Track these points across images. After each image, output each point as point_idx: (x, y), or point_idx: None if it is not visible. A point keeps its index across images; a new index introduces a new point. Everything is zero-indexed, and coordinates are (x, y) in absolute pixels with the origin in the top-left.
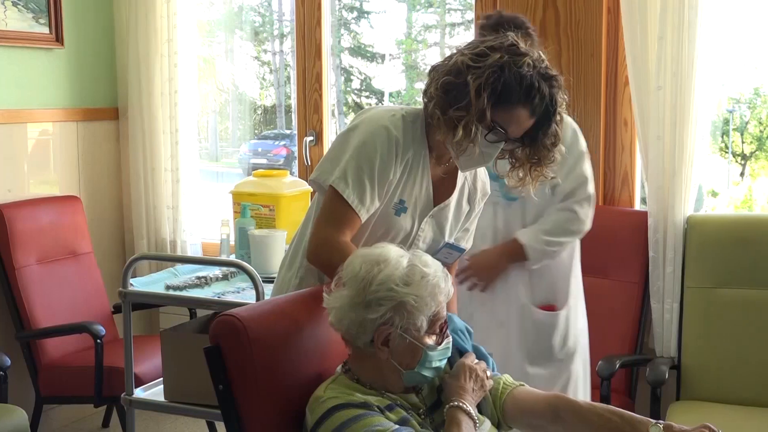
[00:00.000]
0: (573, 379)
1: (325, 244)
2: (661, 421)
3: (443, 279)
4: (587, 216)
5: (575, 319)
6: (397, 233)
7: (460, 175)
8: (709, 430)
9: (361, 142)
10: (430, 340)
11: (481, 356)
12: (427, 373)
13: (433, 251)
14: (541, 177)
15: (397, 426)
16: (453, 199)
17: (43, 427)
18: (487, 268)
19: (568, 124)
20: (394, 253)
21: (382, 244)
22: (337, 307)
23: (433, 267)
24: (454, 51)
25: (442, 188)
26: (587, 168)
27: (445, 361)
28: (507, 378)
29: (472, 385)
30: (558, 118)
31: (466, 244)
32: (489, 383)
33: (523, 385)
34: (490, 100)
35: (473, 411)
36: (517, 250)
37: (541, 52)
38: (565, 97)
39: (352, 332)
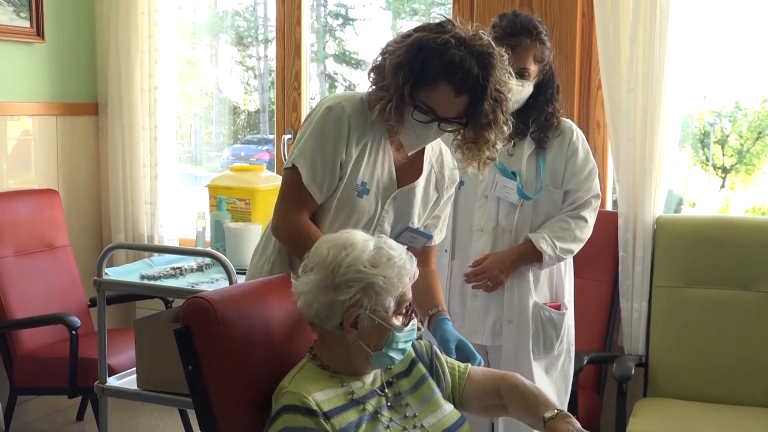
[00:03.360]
0: (558, 372)
1: (280, 218)
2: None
3: (408, 261)
4: (593, 223)
5: (570, 317)
6: (360, 215)
7: (426, 162)
8: None
9: (317, 121)
10: (397, 321)
11: (469, 353)
12: (394, 354)
13: (395, 234)
14: (486, 159)
15: None
16: (419, 184)
17: (16, 419)
18: (501, 270)
19: (576, 130)
20: (360, 237)
21: (347, 230)
22: (306, 291)
23: (398, 250)
24: None
25: (407, 172)
26: (597, 177)
27: (410, 344)
28: (457, 363)
29: None
30: (492, 97)
31: (440, 232)
32: None
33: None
34: (408, 80)
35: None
36: (532, 254)
37: (482, 32)
38: (509, 75)
39: (321, 315)
